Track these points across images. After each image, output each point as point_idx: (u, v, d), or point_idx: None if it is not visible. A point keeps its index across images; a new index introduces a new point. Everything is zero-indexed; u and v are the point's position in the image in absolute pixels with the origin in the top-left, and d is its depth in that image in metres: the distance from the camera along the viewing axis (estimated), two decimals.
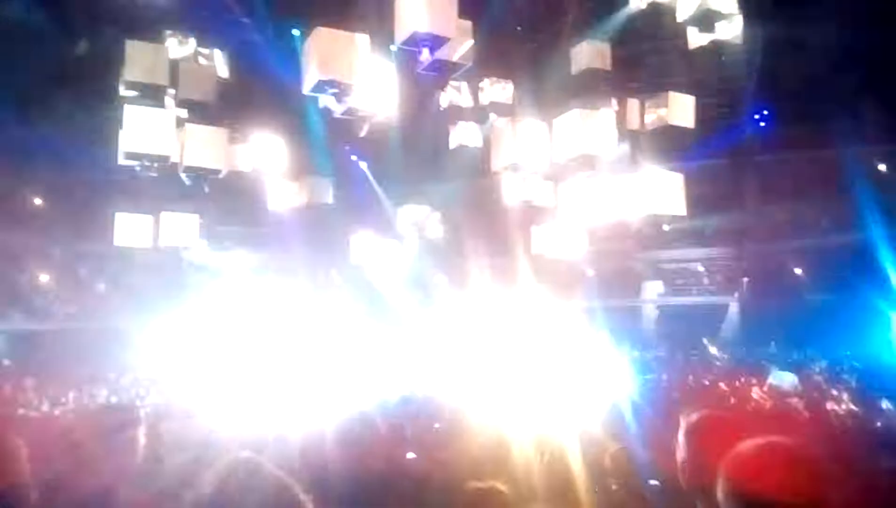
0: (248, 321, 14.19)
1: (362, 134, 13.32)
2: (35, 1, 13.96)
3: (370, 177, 20.26)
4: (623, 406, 4.32)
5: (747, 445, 1.54)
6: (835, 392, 9.47)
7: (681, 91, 12.67)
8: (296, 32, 11.82)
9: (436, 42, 9.24)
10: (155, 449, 3.43)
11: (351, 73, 9.30)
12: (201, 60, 12.69)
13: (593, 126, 12.00)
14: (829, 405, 8.50)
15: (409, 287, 20.82)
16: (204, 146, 12.14)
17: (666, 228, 13.40)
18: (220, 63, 12.91)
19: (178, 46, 12.27)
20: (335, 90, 9.73)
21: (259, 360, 11.15)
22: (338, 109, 10.63)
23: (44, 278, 20.93)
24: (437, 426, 5.22)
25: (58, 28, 13.90)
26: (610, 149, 11.92)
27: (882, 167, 24.66)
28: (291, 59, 11.77)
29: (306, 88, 9.77)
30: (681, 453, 1.95)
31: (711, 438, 1.89)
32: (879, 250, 18.87)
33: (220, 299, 16.34)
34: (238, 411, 6.25)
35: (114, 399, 11.23)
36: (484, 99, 13.48)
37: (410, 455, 3.92)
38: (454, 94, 14.00)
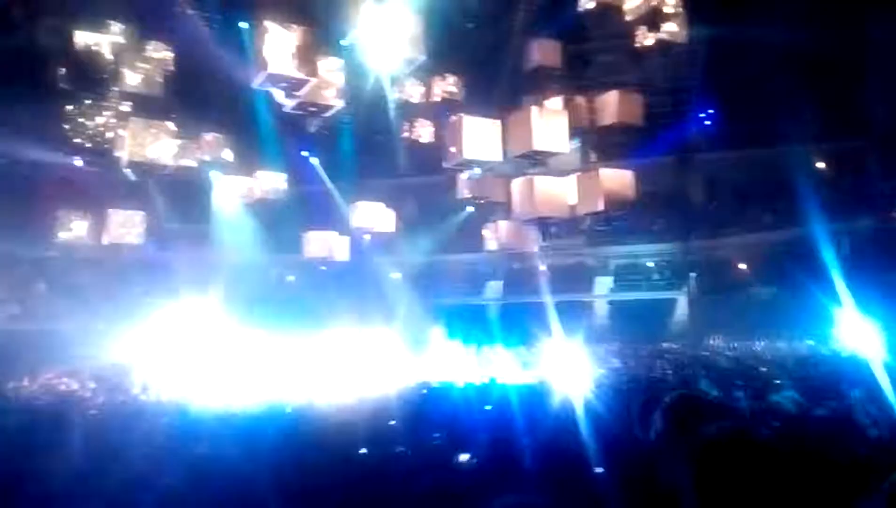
0: (197, 320, 13.86)
1: (313, 129, 13.20)
2: None
3: (322, 173, 20.02)
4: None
5: (710, 431, 1.58)
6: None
7: (629, 90, 12.88)
8: (244, 26, 11.63)
9: (296, 83, 9.36)
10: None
11: (300, 67, 9.20)
12: (147, 53, 12.37)
13: (545, 123, 12.11)
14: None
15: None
16: (149, 141, 11.87)
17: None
18: (165, 56, 12.60)
19: (123, 39, 11.93)
20: (285, 85, 9.62)
21: (209, 359, 10.94)
22: (288, 104, 10.51)
23: None
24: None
25: None
26: (561, 146, 12.03)
27: (821, 165, 25.58)
28: (239, 53, 11.57)
29: (255, 83, 9.63)
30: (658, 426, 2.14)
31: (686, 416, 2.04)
32: (820, 245, 19.51)
33: (167, 299, 15.90)
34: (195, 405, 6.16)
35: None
36: (436, 95, 13.46)
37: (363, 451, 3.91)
38: (406, 89, 13.93)
